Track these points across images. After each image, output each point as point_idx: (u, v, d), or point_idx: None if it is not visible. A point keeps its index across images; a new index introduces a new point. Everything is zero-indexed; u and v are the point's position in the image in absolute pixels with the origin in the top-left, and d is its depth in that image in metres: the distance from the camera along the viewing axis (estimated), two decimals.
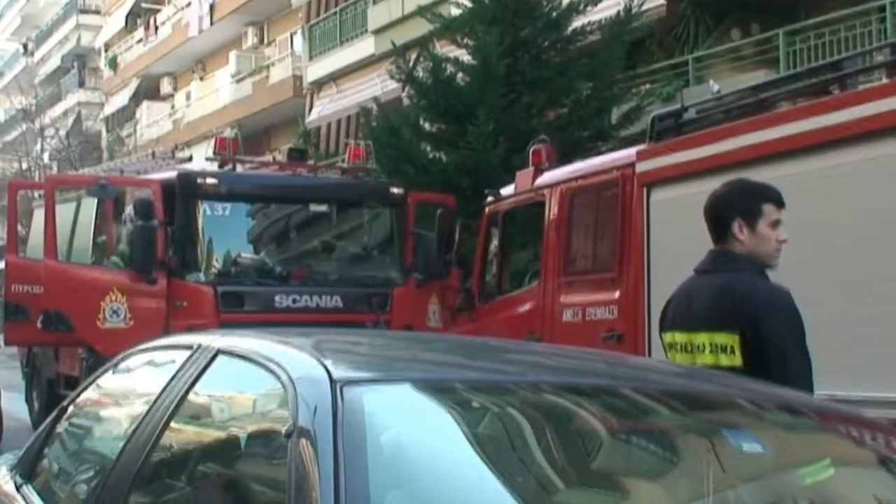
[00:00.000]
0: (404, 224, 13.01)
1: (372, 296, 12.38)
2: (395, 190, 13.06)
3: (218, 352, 2.98)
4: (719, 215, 4.24)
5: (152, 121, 42.76)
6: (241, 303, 11.83)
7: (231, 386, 3.00)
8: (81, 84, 51.70)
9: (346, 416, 2.27)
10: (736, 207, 4.22)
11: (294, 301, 11.97)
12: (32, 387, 16.06)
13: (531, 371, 3.05)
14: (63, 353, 14.71)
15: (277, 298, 11.93)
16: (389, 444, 2.35)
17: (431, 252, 12.23)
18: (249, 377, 2.78)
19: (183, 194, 11.97)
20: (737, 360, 4.02)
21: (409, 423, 2.48)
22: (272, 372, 2.59)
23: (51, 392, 15.12)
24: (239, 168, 13.07)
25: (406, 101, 18.11)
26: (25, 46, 60.87)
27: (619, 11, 16.00)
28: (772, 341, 3.98)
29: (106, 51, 49.54)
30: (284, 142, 31.78)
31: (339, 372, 2.46)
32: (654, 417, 2.78)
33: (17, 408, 15.85)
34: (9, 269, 13.02)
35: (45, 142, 44.87)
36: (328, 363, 2.50)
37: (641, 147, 8.11)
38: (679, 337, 4.25)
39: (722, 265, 4.21)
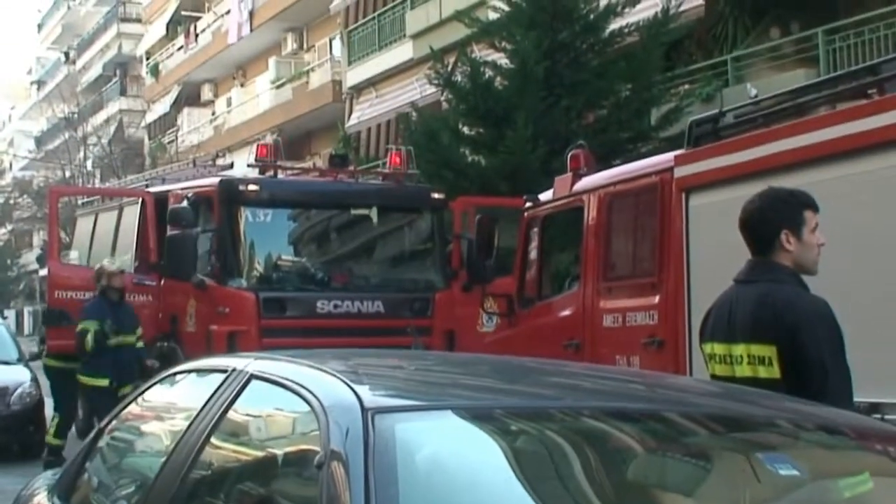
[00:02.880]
0: (446, 229, 13.02)
1: (413, 301, 12.39)
2: (436, 195, 13.07)
3: (251, 376, 2.99)
4: (764, 228, 4.16)
5: (193, 127, 43.05)
6: (283, 308, 11.87)
7: (264, 411, 3.01)
8: (123, 92, 52.13)
9: (377, 444, 2.26)
10: (781, 218, 4.15)
11: (335, 306, 12.00)
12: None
13: (567, 395, 3.02)
14: None
15: (319, 304, 11.96)
16: (421, 474, 2.33)
17: (472, 256, 12.22)
18: (282, 403, 2.78)
19: (225, 201, 12.04)
20: (775, 371, 3.96)
21: (442, 452, 2.45)
22: (304, 399, 2.59)
23: None
24: (280, 174, 13.11)
25: (445, 106, 18.13)
26: (67, 55, 61.44)
27: (656, 13, 15.94)
28: (811, 353, 3.93)
29: (147, 58, 49.95)
30: (324, 146, 31.93)
31: (371, 400, 2.45)
32: (693, 441, 2.75)
33: None
34: (52, 275, 13.15)
35: (88, 150, 45.29)
36: (360, 391, 2.49)
37: (680, 152, 8.06)
38: (718, 348, 4.19)
39: (762, 275, 4.15)
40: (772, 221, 4.15)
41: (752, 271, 4.20)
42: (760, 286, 4.11)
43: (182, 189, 13.08)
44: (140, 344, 11.80)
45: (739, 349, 4.07)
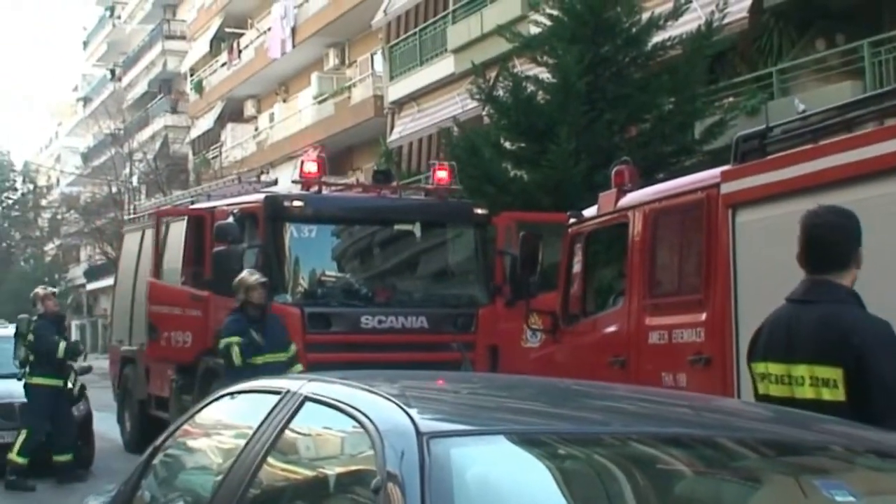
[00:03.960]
0: (489, 244, 13.02)
1: (457, 316, 12.42)
2: (478, 210, 13.09)
3: (305, 399, 3.01)
4: (840, 246, 4.08)
5: (237, 143, 43.35)
6: (328, 324, 11.93)
7: (319, 433, 3.03)
8: (173, 110, 52.50)
9: (433, 469, 2.27)
10: (857, 236, 4.09)
11: (380, 322, 12.05)
12: (124, 407, 16.33)
13: (618, 420, 3.02)
14: (154, 375, 14.97)
15: (363, 319, 12.01)
16: (476, 499, 2.34)
17: (515, 272, 12.21)
18: (337, 426, 2.80)
19: (270, 217, 12.13)
20: (840, 394, 3.89)
21: (495, 477, 2.46)
22: (359, 422, 2.60)
23: (142, 413, 15.37)
24: (324, 190, 13.18)
25: (486, 120, 18.15)
26: (113, 72, 62.08)
27: (700, 25, 15.87)
28: (877, 376, 3.87)
29: (191, 75, 50.38)
30: (366, 161, 32.05)
31: (426, 424, 2.46)
32: (745, 467, 2.74)
33: (108, 428, 16.15)
34: (150, 291, 13.41)
35: (134, 165, 45.71)
36: (414, 415, 2.50)
37: (726, 168, 8.01)
38: (774, 368, 4.12)
39: (823, 295, 4.06)
40: (848, 240, 4.08)
41: (812, 291, 4.11)
42: (823, 307, 4.03)
43: (227, 205, 13.17)
44: (298, 367, 10.26)
45: (801, 370, 4.00)
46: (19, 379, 12.78)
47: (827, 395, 3.91)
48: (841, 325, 3.96)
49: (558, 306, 10.14)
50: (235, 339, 10.02)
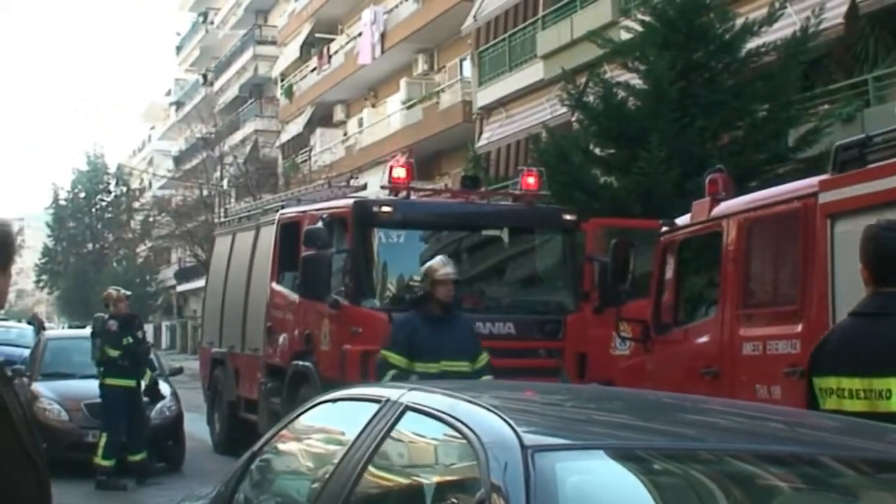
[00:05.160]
0: (577, 251, 12.94)
1: (545, 323, 12.35)
2: (567, 216, 13.01)
3: (406, 408, 3.01)
4: None
5: (325, 147, 43.67)
6: None
7: (421, 444, 3.02)
8: (272, 115, 52.90)
9: (538, 483, 2.26)
10: None
11: None
12: (214, 409, 16.52)
13: (714, 435, 3.00)
14: (243, 377, 15.14)
15: None
16: None
17: (605, 279, 12.11)
18: (439, 437, 2.79)
19: (359, 222, 12.18)
20: None
21: (598, 492, 2.45)
22: (463, 434, 2.60)
23: (231, 414, 15.54)
24: (412, 195, 13.21)
25: (576, 126, 18.06)
26: (205, 77, 63.01)
27: (794, 31, 15.63)
28: None
29: (282, 80, 50.93)
30: (454, 166, 32.10)
31: (530, 438, 2.45)
32: (844, 485, 2.69)
33: (198, 429, 16.37)
34: (271, 295, 13.78)
35: (224, 169, 46.30)
36: (519, 428, 2.49)
37: (824, 177, 7.88)
38: (849, 383, 4.05)
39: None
40: None
41: (888, 304, 4.07)
42: None
43: (317, 210, 13.27)
44: (487, 377, 8.29)
45: (887, 383, 3.94)
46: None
47: None
48: None
49: (650, 315, 10.04)
50: (394, 356, 8.19)
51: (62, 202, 71.00)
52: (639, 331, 10.19)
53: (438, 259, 8.71)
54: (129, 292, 14.08)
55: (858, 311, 4.16)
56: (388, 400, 3.12)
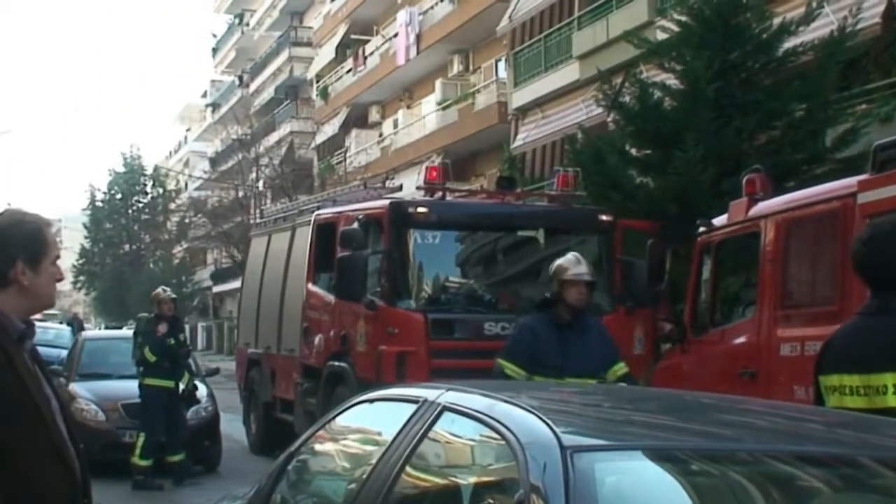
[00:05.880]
0: (613, 251, 12.91)
1: None
2: (603, 217, 12.97)
3: (444, 408, 3.01)
4: None
5: (361, 148, 43.77)
6: (451, 330, 11.93)
7: (459, 444, 3.03)
8: (307, 116, 53.06)
9: (577, 483, 2.26)
10: None
11: (503, 329, 11.97)
12: (250, 409, 16.59)
13: (751, 436, 2.99)
14: (279, 377, 15.20)
15: (487, 326, 11.97)
16: None
17: (641, 280, 12.08)
18: (477, 437, 2.79)
19: (394, 223, 12.20)
20: None
21: (637, 493, 2.45)
22: (501, 434, 2.60)
23: (267, 415, 15.61)
24: (448, 196, 13.22)
25: (612, 127, 18.00)
26: (241, 78, 63.30)
27: (832, 31, 15.51)
28: None
29: (317, 81, 51.07)
30: (490, 167, 32.09)
31: (569, 438, 2.45)
32: (884, 486, 2.67)
33: (234, 429, 16.46)
34: (307, 296, 13.83)
35: (260, 170, 46.46)
36: (557, 429, 2.49)
37: (863, 177, 7.83)
38: (849, 380, 4.10)
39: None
40: None
41: (887, 303, 4.11)
42: None
43: (353, 211, 13.30)
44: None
45: (883, 379, 3.98)
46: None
47: None
48: None
49: (686, 315, 10.01)
50: (511, 367, 7.27)
51: (99, 203, 71.44)
52: (673, 332, 10.16)
53: (569, 257, 7.67)
54: (174, 294, 14.17)
55: (861, 310, 4.25)
56: (425, 400, 3.12)
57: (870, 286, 4.21)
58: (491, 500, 2.64)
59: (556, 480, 2.27)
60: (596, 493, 2.27)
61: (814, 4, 15.86)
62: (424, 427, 3.00)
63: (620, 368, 7.46)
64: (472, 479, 2.86)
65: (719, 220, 9.91)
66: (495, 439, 2.61)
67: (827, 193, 8.46)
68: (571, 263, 7.46)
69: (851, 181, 8.07)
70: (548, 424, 2.53)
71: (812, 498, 2.64)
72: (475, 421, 2.80)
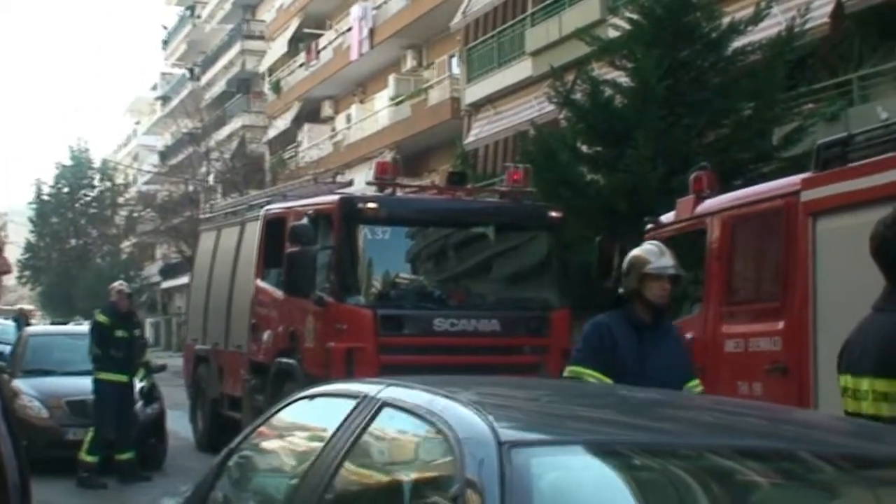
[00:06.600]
0: (563, 248, 12.97)
1: (530, 319, 12.35)
2: (553, 213, 13.02)
3: (383, 404, 3.00)
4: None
5: (313, 143, 43.61)
6: (400, 326, 11.92)
7: (397, 440, 3.02)
8: (259, 110, 52.73)
9: (513, 478, 2.26)
10: None
11: (452, 325, 12.01)
12: (197, 406, 16.46)
13: (694, 431, 2.99)
14: (227, 374, 15.10)
15: (436, 322, 11.97)
16: None
17: (585, 277, 12.15)
18: (415, 433, 2.79)
19: (344, 218, 12.15)
20: None
21: (574, 487, 2.45)
22: (439, 430, 2.59)
23: (214, 412, 15.50)
24: (399, 192, 13.20)
25: (563, 124, 18.07)
26: (192, 71, 62.82)
27: (780, 31, 15.67)
28: None
29: (269, 75, 50.82)
30: (442, 163, 32.08)
31: (507, 433, 2.45)
32: (824, 480, 2.70)
33: (181, 426, 16.31)
34: (256, 292, 13.78)
35: (211, 164, 46.11)
36: (494, 423, 2.49)
37: (807, 175, 7.92)
38: (846, 381, 3.89)
39: (894, 303, 3.81)
40: None
41: (885, 298, 3.87)
42: (890, 316, 3.77)
43: (302, 206, 13.24)
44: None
45: (864, 383, 3.75)
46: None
47: (885, 410, 3.64)
48: None
49: None
50: (590, 375, 5.89)
51: (45, 197, 70.50)
52: None
53: (649, 247, 6.31)
54: (130, 290, 14.04)
55: (874, 304, 3.93)
56: (365, 396, 3.11)
57: (888, 275, 3.85)
58: (430, 496, 2.63)
59: (492, 475, 2.27)
60: (532, 487, 2.27)
61: (763, 4, 16.01)
62: (364, 423, 2.99)
63: (696, 386, 6.14)
64: (412, 475, 2.85)
65: (667, 217, 9.97)
66: (434, 435, 2.60)
67: (771, 191, 8.55)
68: (653, 255, 6.14)
69: (795, 179, 8.16)
70: (486, 419, 2.53)
71: (752, 492, 2.65)
72: (414, 416, 2.80)
